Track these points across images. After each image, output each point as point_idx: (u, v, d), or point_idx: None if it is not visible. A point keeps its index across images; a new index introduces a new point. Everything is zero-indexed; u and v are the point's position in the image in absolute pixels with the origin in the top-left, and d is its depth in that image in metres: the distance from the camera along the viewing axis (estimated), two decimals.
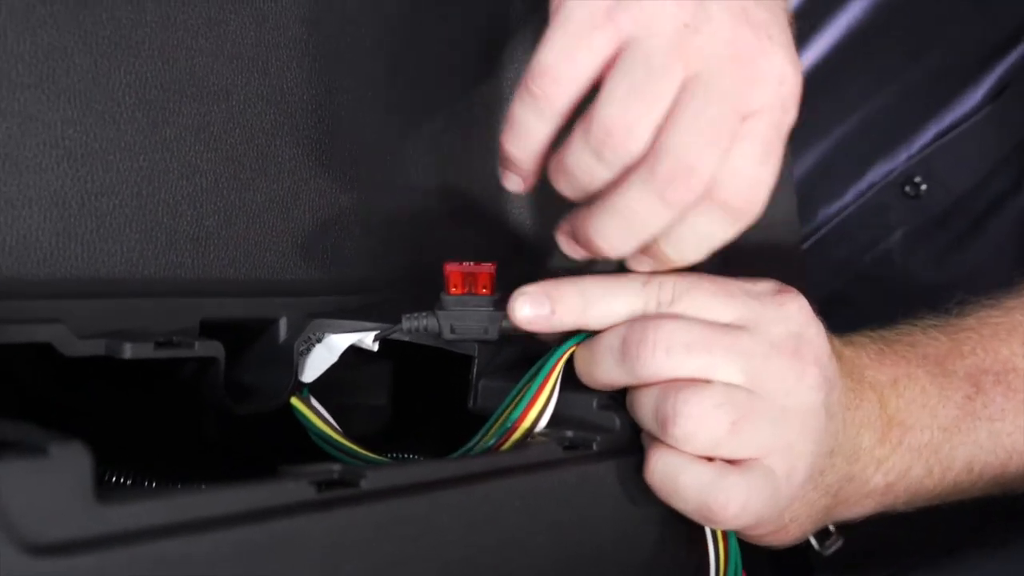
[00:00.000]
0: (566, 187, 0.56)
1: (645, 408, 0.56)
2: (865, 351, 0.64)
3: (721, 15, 0.53)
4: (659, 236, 0.55)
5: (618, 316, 0.57)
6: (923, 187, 0.92)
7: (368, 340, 0.59)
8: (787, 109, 0.54)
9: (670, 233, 0.55)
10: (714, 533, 0.59)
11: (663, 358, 0.55)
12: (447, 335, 0.57)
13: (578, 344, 0.58)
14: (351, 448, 0.57)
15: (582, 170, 0.54)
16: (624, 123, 0.52)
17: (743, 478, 0.55)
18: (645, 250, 0.57)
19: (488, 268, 0.57)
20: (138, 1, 0.53)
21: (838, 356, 0.60)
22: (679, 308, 0.57)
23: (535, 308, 0.57)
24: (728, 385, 0.55)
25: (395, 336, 0.59)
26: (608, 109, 0.52)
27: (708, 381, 0.55)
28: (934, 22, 0.93)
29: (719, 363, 0.55)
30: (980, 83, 0.90)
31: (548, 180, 0.57)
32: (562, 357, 0.57)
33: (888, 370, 0.64)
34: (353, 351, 0.59)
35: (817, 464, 0.58)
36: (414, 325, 0.57)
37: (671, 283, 0.57)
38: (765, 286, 0.59)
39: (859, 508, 0.64)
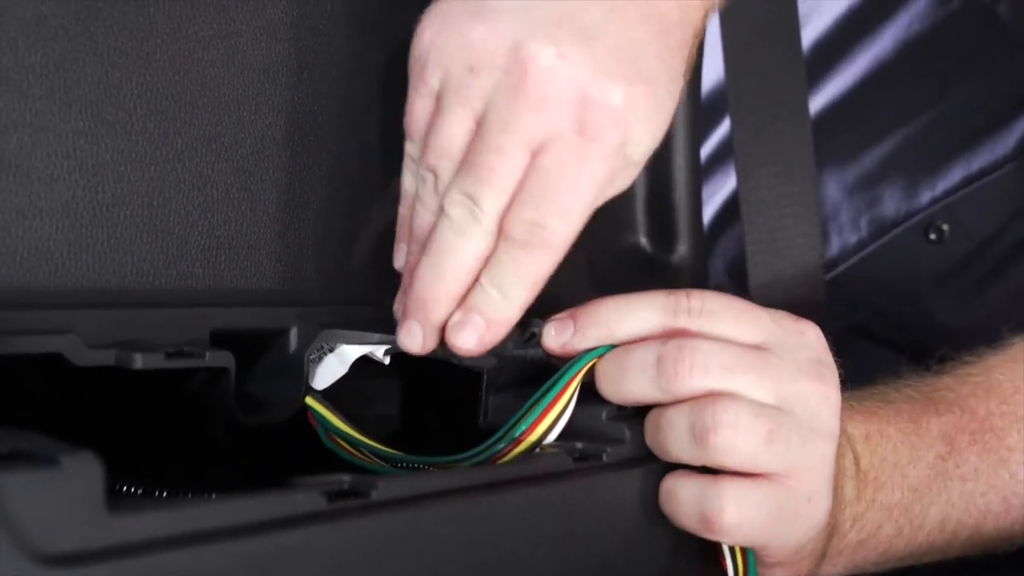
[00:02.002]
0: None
1: (678, 423, 0.56)
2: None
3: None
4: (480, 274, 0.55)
5: (644, 329, 0.57)
6: (947, 232, 0.91)
7: (379, 352, 0.59)
8: (592, 134, 0.53)
9: (489, 270, 0.55)
10: (732, 552, 0.58)
11: (700, 377, 0.55)
12: (454, 360, 0.57)
13: (597, 359, 0.57)
14: (369, 444, 0.57)
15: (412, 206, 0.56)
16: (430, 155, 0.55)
17: (747, 486, 0.55)
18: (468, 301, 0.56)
19: None
20: (149, 12, 0.53)
21: None
22: (708, 326, 0.57)
23: (561, 333, 0.57)
24: (761, 402, 0.55)
25: None
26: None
27: (741, 397, 0.55)
28: (963, 61, 0.92)
29: (752, 383, 0.55)
30: (1012, 129, 0.89)
31: None
32: (579, 373, 0.57)
33: (860, 425, 0.64)
34: (363, 362, 0.59)
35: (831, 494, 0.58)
36: None
37: (698, 296, 0.57)
38: (783, 312, 0.59)
39: (830, 566, 0.63)
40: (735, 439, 0.54)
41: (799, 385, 0.56)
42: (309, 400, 0.58)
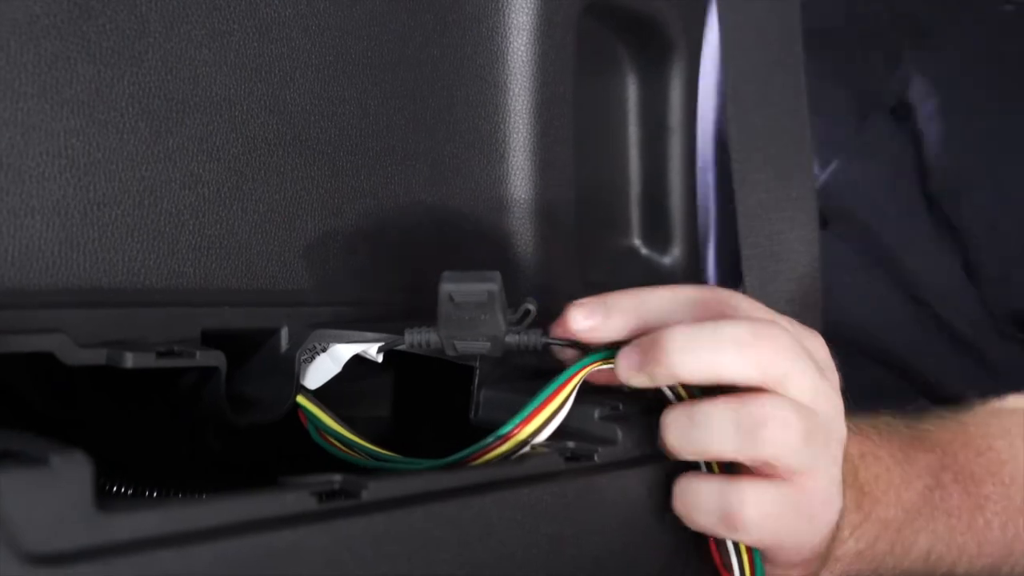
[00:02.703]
0: None
1: (721, 418, 0.55)
2: None
3: None
4: None
5: (675, 319, 0.57)
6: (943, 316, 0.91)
7: (372, 351, 0.59)
8: None
9: None
10: (739, 555, 0.58)
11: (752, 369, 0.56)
12: (449, 352, 0.57)
13: (597, 362, 0.57)
14: (360, 444, 0.57)
15: None
16: None
17: (765, 484, 0.56)
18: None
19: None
20: (141, 11, 0.53)
21: None
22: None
23: (592, 316, 0.57)
24: (799, 401, 0.56)
25: (399, 348, 0.58)
26: None
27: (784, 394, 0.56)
28: None
29: (795, 377, 0.56)
30: None
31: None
32: (576, 374, 0.57)
33: (856, 445, 0.64)
34: (355, 361, 0.59)
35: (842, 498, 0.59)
36: (416, 339, 0.57)
37: (726, 293, 0.58)
38: (788, 317, 0.60)
39: (827, 573, 0.64)
40: (783, 434, 0.55)
41: (823, 386, 0.57)
42: (300, 399, 0.58)
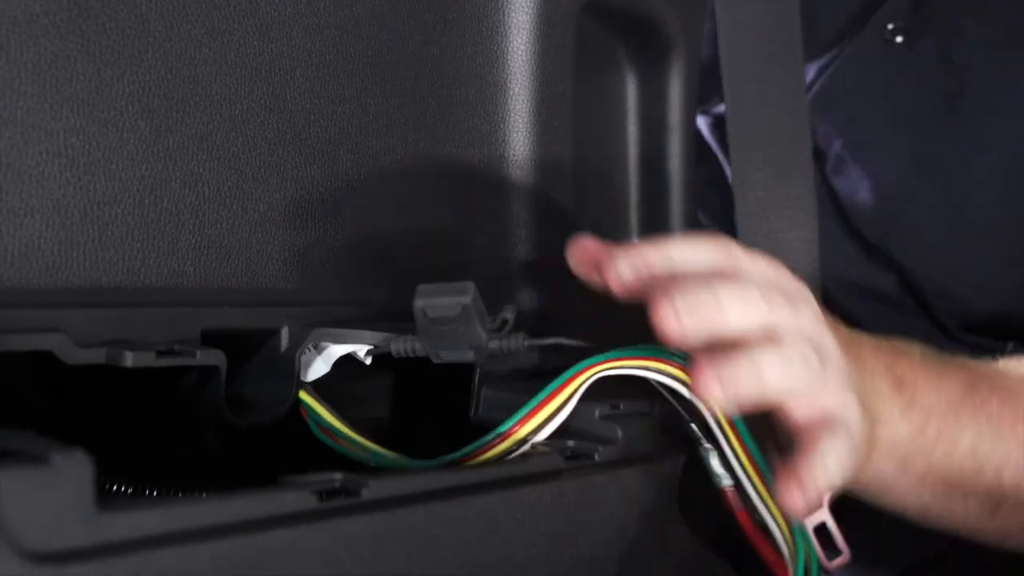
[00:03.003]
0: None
1: (801, 348, 0.56)
2: (863, 338, 0.65)
3: None
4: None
5: (702, 266, 0.57)
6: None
7: (361, 352, 0.59)
8: None
9: None
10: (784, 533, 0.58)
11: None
12: (435, 359, 0.57)
13: (595, 364, 0.57)
14: (358, 441, 0.57)
15: None
16: None
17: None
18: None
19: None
20: (141, 11, 0.53)
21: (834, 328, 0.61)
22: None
23: (631, 265, 0.57)
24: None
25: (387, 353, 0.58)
26: None
27: None
28: None
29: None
30: None
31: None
32: (578, 375, 0.56)
33: (887, 353, 0.65)
34: (353, 361, 0.59)
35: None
36: (401, 347, 0.57)
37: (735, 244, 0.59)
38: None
39: (884, 462, 0.63)
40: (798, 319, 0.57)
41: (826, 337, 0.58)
42: (302, 394, 0.58)
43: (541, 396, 0.56)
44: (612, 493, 0.56)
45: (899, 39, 0.89)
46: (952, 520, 0.68)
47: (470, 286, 0.54)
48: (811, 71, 0.91)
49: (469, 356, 0.56)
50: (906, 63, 0.89)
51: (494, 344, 0.56)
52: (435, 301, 0.54)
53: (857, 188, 0.90)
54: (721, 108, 0.92)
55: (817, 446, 0.55)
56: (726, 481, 0.57)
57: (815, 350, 0.56)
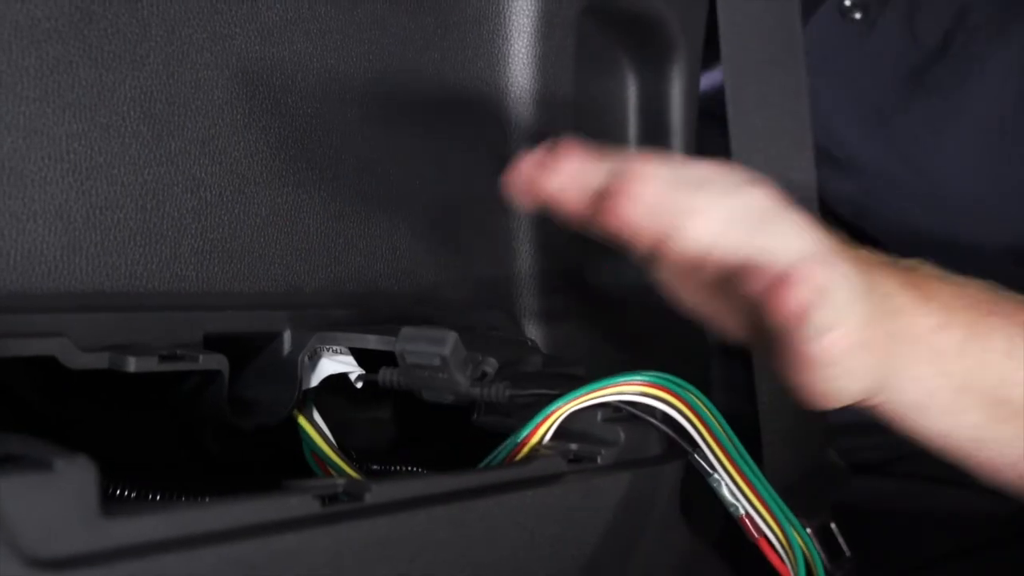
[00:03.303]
0: None
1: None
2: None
3: None
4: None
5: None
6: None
7: (352, 376, 0.59)
8: None
9: None
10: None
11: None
12: (418, 396, 0.57)
13: (617, 384, 0.57)
14: (343, 469, 0.57)
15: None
16: None
17: None
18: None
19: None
20: (143, 15, 0.53)
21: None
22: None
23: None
24: None
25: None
26: None
27: None
28: None
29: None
30: None
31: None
32: (596, 390, 0.56)
33: (897, 264, 0.62)
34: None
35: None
36: (388, 379, 0.57)
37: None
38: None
39: (912, 362, 0.59)
40: None
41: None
42: (299, 419, 0.58)
43: (555, 404, 0.56)
44: (615, 496, 0.56)
45: (857, 15, 0.88)
46: (1011, 452, 0.62)
47: (450, 336, 0.54)
48: None
49: (450, 399, 0.57)
50: (866, 39, 0.88)
51: (475, 392, 0.56)
52: (414, 347, 0.54)
53: (829, 167, 0.89)
54: None
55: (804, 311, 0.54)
56: (740, 510, 0.57)
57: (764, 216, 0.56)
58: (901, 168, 0.85)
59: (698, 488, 0.58)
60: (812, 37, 0.90)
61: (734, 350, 0.97)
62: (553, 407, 0.56)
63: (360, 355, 0.60)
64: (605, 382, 0.56)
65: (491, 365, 0.57)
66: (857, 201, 0.88)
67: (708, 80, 0.93)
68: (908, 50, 0.86)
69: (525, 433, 0.56)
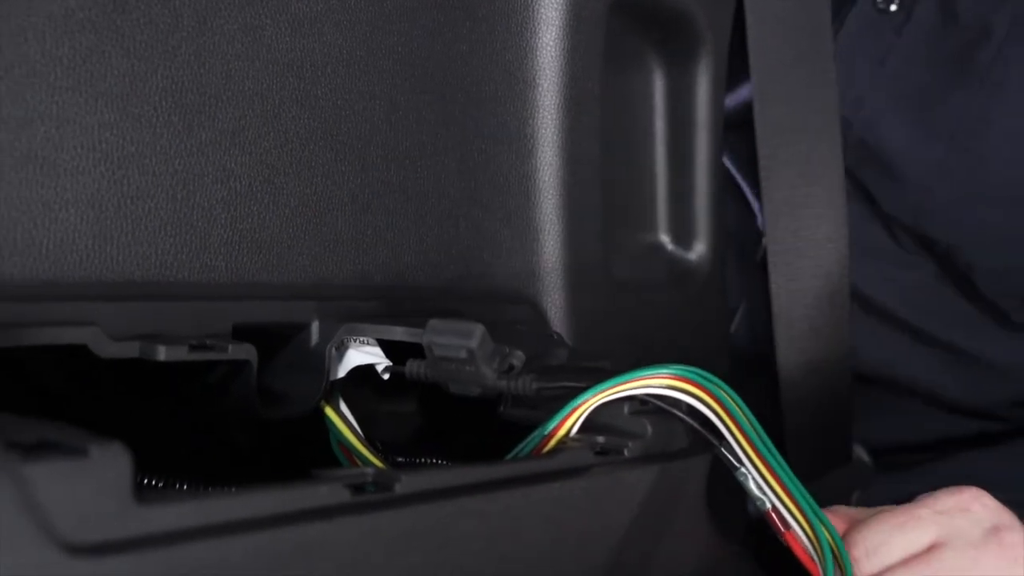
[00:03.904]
0: None
1: None
2: None
3: None
4: None
5: None
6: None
7: (379, 367, 0.59)
8: None
9: None
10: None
11: None
12: (445, 389, 0.57)
13: (609, 389, 0.57)
14: (370, 460, 0.57)
15: None
16: None
17: None
18: None
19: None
20: (174, 5, 0.53)
21: None
22: (881, 564, 0.59)
23: None
24: None
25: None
26: None
27: None
28: None
29: None
30: None
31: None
32: (620, 385, 0.56)
33: None
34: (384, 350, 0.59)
35: None
36: (416, 371, 0.57)
37: (862, 539, 0.60)
38: (942, 494, 0.61)
39: None
40: None
41: (981, 566, 0.58)
42: (326, 409, 0.58)
43: (582, 397, 0.56)
44: (641, 489, 0.56)
45: (893, 7, 0.88)
46: None
47: (478, 329, 0.54)
48: None
49: (477, 392, 0.57)
50: (905, 30, 0.87)
51: (502, 384, 0.56)
52: (442, 340, 0.55)
53: (880, 173, 0.89)
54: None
55: None
56: (767, 504, 0.57)
57: None
58: (951, 158, 0.84)
59: (724, 482, 0.58)
60: (850, 36, 0.89)
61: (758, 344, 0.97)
62: (580, 400, 0.56)
63: (387, 347, 0.60)
64: (632, 375, 0.56)
65: (518, 358, 0.57)
66: (913, 204, 0.87)
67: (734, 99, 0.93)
68: (949, 37, 0.85)
69: (552, 425, 0.56)
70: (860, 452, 0.93)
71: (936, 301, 0.90)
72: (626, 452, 0.56)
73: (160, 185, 0.53)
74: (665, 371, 0.56)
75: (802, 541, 0.56)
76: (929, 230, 0.87)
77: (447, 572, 0.47)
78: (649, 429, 0.57)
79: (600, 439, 0.56)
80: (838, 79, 0.88)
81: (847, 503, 0.85)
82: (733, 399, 0.56)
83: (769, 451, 0.56)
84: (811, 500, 0.57)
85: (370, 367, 0.59)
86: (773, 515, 0.56)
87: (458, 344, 0.54)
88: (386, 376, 0.59)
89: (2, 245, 0.48)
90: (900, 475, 0.94)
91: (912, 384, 0.94)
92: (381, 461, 0.58)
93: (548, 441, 0.56)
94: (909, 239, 0.89)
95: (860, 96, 0.88)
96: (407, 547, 0.45)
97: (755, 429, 0.56)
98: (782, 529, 0.56)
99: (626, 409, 0.57)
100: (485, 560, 0.49)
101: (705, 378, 0.56)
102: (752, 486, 0.56)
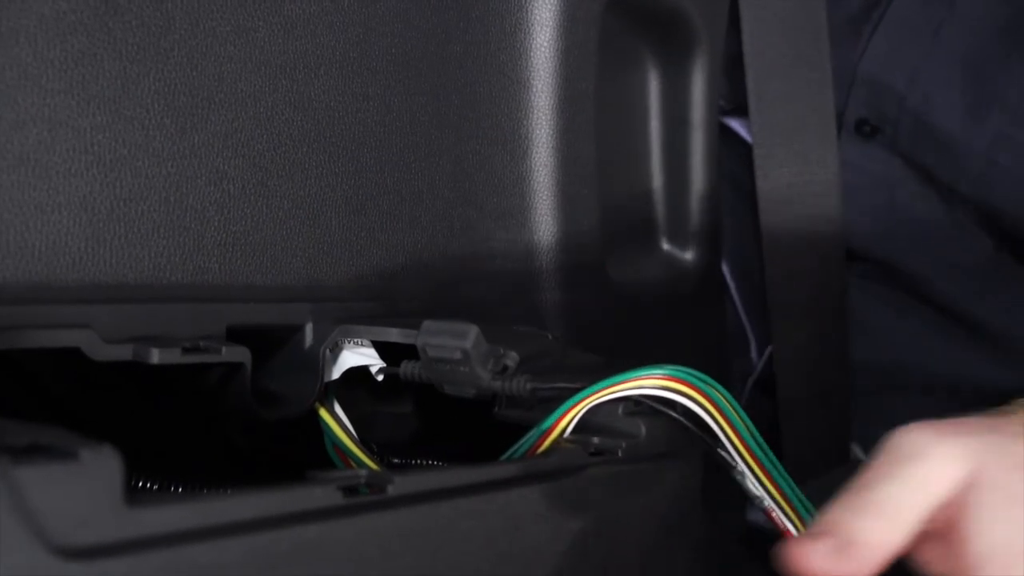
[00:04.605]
0: None
1: None
2: None
3: None
4: None
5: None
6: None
7: (374, 370, 0.59)
8: None
9: None
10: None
11: None
12: (440, 390, 0.57)
13: (648, 376, 0.56)
14: (363, 462, 0.57)
15: None
16: None
17: None
18: None
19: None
20: (167, 8, 0.53)
21: None
22: None
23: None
24: None
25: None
26: None
27: None
28: None
29: None
30: None
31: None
32: (619, 384, 0.56)
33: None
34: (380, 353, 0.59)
35: None
36: (410, 371, 0.57)
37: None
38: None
39: None
40: None
41: None
42: (320, 411, 0.58)
43: (583, 394, 0.56)
44: (636, 488, 0.56)
45: None
46: None
47: (472, 330, 0.54)
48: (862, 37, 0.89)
49: (471, 393, 0.57)
50: (954, 5, 0.86)
51: (496, 385, 0.56)
52: (436, 341, 0.55)
53: (939, 147, 0.87)
54: None
55: None
56: (765, 502, 0.56)
57: None
58: (1013, 129, 0.83)
59: (719, 482, 0.58)
60: (900, 8, 0.88)
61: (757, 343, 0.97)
62: (575, 400, 0.56)
63: (381, 349, 0.60)
64: (626, 375, 0.56)
65: (512, 359, 0.57)
66: (976, 177, 0.86)
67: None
68: (1004, 4, 0.84)
69: (547, 426, 0.56)
70: (857, 451, 0.93)
71: (994, 282, 0.88)
72: (620, 452, 0.56)
73: (153, 187, 0.53)
74: (659, 372, 0.56)
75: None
76: (995, 201, 0.85)
77: (443, 573, 0.47)
78: (643, 429, 0.57)
79: (595, 440, 0.56)
80: (889, 52, 0.88)
81: None
82: (727, 399, 0.56)
83: (763, 451, 0.56)
84: (804, 499, 0.57)
85: (364, 369, 0.59)
86: (772, 514, 0.56)
87: (452, 345, 0.54)
88: (380, 377, 0.59)
89: None
90: None
91: (934, 378, 0.92)
92: (376, 463, 0.58)
93: (542, 442, 0.56)
94: (971, 216, 0.87)
95: (915, 67, 0.87)
96: (402, 548, 0.45)
97: (749, 430, 0.56)
98: (780, 527, 0.57)
99: (621, 410, 0.57)
100: (480, 560, 0.49)
101: (698, 378, 0.56)
102: (749, 485, 0.56)
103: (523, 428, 0.57)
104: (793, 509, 0.57)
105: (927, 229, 0.88)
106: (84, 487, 0.36)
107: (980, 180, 0.85)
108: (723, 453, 0.56)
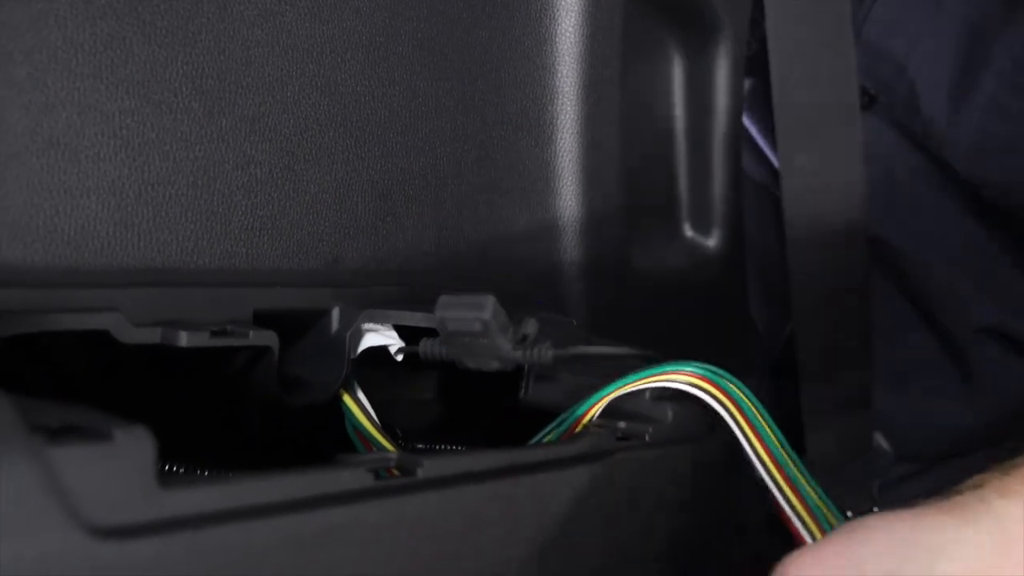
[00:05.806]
0: None
1: None
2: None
3: None
4: None
5: None
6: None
7: (393, 350, 0.59)
8: None
9: None
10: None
11: None
12: (461, 366, 0.57)
13: (672, 372, 0.57)
14: (384, 446, 0.58)
15: None
16: None
17: None
18: None
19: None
20: None
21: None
22: None
23: None
24: None
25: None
26: None
27: None
28: None
29: None
30: None
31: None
32: (650, 378, 0.56)
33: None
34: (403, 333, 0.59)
35: None
36: (430, 350, 0.57)
37: None
38: None
39: None
40: None
41: None
42: (344, 396, 0.58)
43: (614, 386, 0.56)
44: (663, 472, 0.56)
45: None
46: None
47: (489, 301, 0.54)
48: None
49: (494, 365, 0.56)
50: None
51: (518, 354, 0.56)
52: (455, 314, 0.54)
53: (933, 118, 0.86)
54: None
55: None
56: (779, 500, 0.56)
57: None
58: (1003, 95, 0.82)
59: (744, 466, 0.58)
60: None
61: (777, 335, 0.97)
62: (605, 392, 0.56)
63: (403, 334, 0.60)
64: (655, 370, 0.56)
65: (532, 326, 0.56)
66: (965, 147, 0.84)
67: None
68: None
69: (579, 414, 0.56)
70: (880, 440, 0.93)
71: (990, 260, 0.88)
72: (647, 437, 0.56)
73: (181, 171, 0.53)
74: (688, 368, 0.56)
75: (800, 532, 0.57)
76: (984, 172, 0.84)
77: (471, 555, 0.47)
78: (670, 414, 0.57)
79: (622, 424, 0.56)
80: (891, 18, 0.87)
81: (867, 493, 0.85)
82: (744, 393, 0.56)
83: (780, 446, 0.56)
84: (821, 492, 0.57)
85: (384, 351, 0.59)
86: (780, 509, 0.57)
87: (471, 317, 0.54)
88: (399, 358, 0.59)
89: (25, 232, 0.48)
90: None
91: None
92: (397, 447, 0.58)
93: (572, 428, 0.56)
94: (963, 194, 0.87)
95: (916, 33, 0.86)
96: (430, 532, 0.45)
97: (766, 423, 0.56)
98: (785, 521, 0.57)
99: (648, 395, 0.58)
100: (508, 544, 0.49)
101: (717, 374, 0.56)
102: (763, 477, 0.56)
103: (547, 412, 0.57)
104: (805, 506, 0.56)
105: (922, 208, 0.88)
106: (117, 468, 0.36)
107: (971, 149, 0.84)
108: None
